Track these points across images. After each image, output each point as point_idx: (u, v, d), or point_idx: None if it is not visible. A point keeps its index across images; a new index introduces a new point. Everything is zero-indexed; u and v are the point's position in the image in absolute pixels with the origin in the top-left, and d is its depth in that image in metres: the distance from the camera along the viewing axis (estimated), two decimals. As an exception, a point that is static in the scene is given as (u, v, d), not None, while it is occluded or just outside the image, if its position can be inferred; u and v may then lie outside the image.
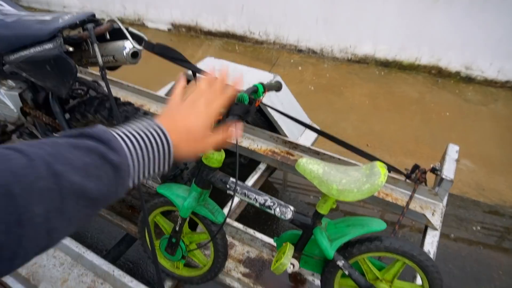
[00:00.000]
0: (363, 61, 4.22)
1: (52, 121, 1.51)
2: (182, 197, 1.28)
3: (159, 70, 3.31)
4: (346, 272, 1.17)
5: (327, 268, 1.24)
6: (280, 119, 2.15)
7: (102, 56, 1.28)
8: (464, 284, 2.17)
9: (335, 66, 4.31)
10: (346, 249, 1.19)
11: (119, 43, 1.27)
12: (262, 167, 2.02)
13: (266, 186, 2.68)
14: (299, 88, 3.94)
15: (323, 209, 1.17)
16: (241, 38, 4.70)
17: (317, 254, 1.29)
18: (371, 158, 1.47)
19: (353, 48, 4.17)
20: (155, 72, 3.50)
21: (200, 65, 2.40)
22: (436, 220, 1.70)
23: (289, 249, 1.18)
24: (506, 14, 3.48)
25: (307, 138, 2.33)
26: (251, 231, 1.62)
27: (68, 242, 1.53)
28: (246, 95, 1.17)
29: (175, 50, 1.31)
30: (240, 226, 1.64)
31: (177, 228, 1.29)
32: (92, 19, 1.25)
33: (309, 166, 1.13)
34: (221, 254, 1.34)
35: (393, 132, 3.32)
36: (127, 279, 1.37)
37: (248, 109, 1.19)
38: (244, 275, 1.49)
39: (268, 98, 2.11)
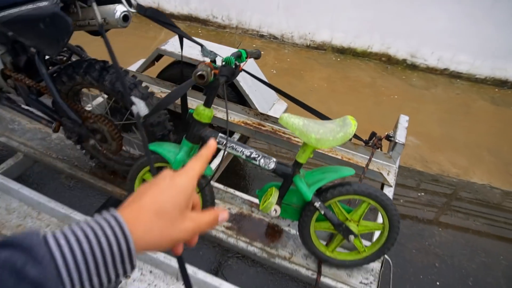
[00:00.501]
0: (321, 48, 4.48)
1: (36, 84, 1.53)
2: (174, 152, 1.39)
3: (126, 49, 3.30)
4: (322, 212, 1.36)
5: (304, 212, 1.42)
6: (251, 93, 2.30)
7: (91, 19, 1.34)
8: (411, 240, 2.48)
9: (295, 52, 4.53)
10: (321, 194, 1.38)
11: (111, 6, 1.33)
12: (236, 136, 2.16)
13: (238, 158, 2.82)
14: (262, 71, 4.10)
15: (302, 158, 1.35)
16: (204, 22, 4.75)
17: (295, 203, 1.47)
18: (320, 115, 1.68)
19: (312, 35, 4.42)
20: (122, 50, 3.47)
21: (171, 41, 2.47)
22: (391, 178, 1.95)
23: (275, 192, 1.34)
24: (449, 7, 3.90)
25: (275, 111, 2.50)
26: (231, 190, 1.76)
27: (53, 204, 1.57)
28: (232, 58, 1.31)
29: (164, 15, 1.40)
30: (220, 186, 1.78)
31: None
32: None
33: (291, 119, 1.29)
34: (210, 205, 1.47)
35: (349, 112, 3.59)
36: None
37: (234, 72, 1.33)
38: (227, 228, 1.64)
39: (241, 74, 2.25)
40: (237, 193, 1.75)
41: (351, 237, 1.40)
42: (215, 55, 1.51)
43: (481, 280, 2.27)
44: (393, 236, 1.43)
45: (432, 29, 4.08)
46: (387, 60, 4.43)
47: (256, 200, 1.76)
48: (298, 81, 4.04)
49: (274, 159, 1.39)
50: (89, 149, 1.74)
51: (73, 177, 1.97)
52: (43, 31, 1.27)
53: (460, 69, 4.32)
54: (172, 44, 2.42)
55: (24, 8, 1.26)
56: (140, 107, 1.23)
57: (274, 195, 1.32)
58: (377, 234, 1.53)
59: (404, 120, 2.13)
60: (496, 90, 4.34)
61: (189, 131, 1.36)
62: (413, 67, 4.41)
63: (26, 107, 1.69)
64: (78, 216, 1.53)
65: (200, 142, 1.40)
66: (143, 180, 1.56)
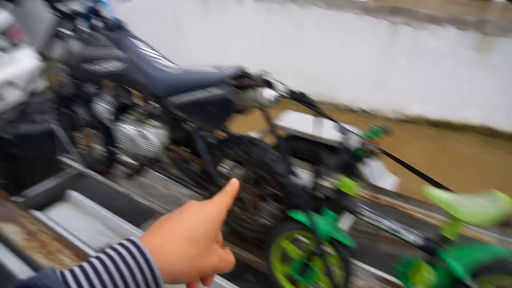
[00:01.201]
0: (413, 121, 4.47)
1: (192, 156, 1.78)
2: (318, 221, 1.47)
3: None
4: (478, 293, 1.29)
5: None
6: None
7: (243, 100, 1.56)
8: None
9: (390, 125, 4.56)
10: (475, 274, 1.31)
11: (262, 90, 1.55)
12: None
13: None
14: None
15: (450, 233, 1.33)
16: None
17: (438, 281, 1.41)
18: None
19: (403, 109, 4.47)
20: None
21: (281, 118, 2.70)
22: None
23: (424, 265, 1.31)
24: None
25: (385, 183, 2.50)
26: (359, 263, 1.75)
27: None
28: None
29: (308, 97, 1.60)
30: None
31: (313, 249, 1.46)
32: (244, 71, 1.57)
33: (439, 193, 1.31)
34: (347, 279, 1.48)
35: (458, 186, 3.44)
36: None
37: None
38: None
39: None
40: (367, 266, 1.73)
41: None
42: (350, 133, 1.64)
43: None
44: None
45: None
46: (490, 134, 4.24)
47: (387, 275, 1.71)
48: (396, 153, 4.01)
49: (419, 233, 1.39)
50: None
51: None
52: (210, 112, 1.53)
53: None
54: (283, 120, 2.64)
55: (198, 93, 1.53)
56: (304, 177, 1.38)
57: (429, 273, 1.29)
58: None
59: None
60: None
61: (331, 201, 1.45)
62: None
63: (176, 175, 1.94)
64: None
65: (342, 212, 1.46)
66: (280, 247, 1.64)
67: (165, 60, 1.80)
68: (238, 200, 1.76)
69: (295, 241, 1.63)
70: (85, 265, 0.37)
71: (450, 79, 4.11)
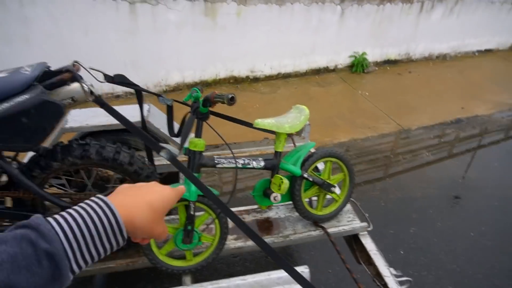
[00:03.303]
0: (177, 89, 4.85)
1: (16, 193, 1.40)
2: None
3: None
4: (311, 179, 1.76)
5: (294, 189, 1.78)
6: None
7: (62, 100, 1.37)
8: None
9: (155, 99, 4.75)
10: (303, 167, 1.77)
11: (74, 85, 1.40)
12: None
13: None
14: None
15: (280, 147, 1.71)
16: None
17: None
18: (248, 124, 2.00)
19: (165, 80, 4.75)
20: None
21: (70, 118, 2.42)
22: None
23: (282, 178, 1.65)
24: (267, 31, 4.90)
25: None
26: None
27: None
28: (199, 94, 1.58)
29: (127, 78, 1.55)
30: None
31: (192, 213, 1.54)
32: (49, 67, 1.34)
33: (264, 121, 1.64)
34: (225, 225, 1.66)
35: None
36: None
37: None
38: (236, 239, 1.84)
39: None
40: (236, 208, 1.96)
41: (332, 189, 1.85)
42: (172, 100, 1.73)
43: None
44: (353, 179, 1.95)
45: (256, 46, 5.02)
46: (235, 81, 5.17)
47: (242, 208, 2.01)
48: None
49: (260, 158, 1.71)
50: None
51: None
52: (26, 125, 1.24)
53: (287, 70, 5.44)
54: (74, 120, 2.37)
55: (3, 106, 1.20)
56: (170, 149, 1.34)
57: (283, 178, 1.64)
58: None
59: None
60: (317, 77, 5.65)
61: (190, 163, 1.54)
62: (256, 79, 5.29)
63: None
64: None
65: (200, 169, 1.59)
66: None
67: None
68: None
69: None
70: (64, 213, 0.49)
71: (194, 43, 4.65)
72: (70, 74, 1.29)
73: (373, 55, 6.01)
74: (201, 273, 2.29)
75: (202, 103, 1.44)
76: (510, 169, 3.72)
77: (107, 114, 2.41)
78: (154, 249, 1.63)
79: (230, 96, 1.30)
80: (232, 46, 4.88)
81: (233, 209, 2.01)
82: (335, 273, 2.44)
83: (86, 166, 1.53)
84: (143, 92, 1.68)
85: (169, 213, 1.76)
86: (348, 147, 3.96)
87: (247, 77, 5.23)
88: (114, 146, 1.55)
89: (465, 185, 3.41)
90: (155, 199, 0.59)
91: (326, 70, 5.76)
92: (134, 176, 1.59)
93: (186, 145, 1.54)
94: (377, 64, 6.12)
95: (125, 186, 0.61)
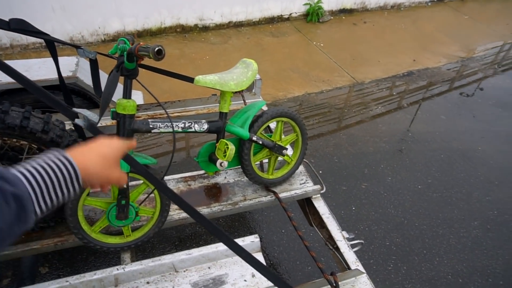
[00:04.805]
0: (117, 38, 4.35)
1: None
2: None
3: None
4: (260, 142, 1.60)
5: (243, 153, 1.62)
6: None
7: None
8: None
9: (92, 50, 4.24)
10: (252, 128, 1.60)
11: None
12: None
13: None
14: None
15: (225, 108, 1.52)
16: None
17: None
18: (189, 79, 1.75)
19: (103, 29, 4.22)
20: None
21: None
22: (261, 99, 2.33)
23: (227, 142, 1.47)
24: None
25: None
26: (166, 177, 1.76)
27: None
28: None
29: (31, 24, 1.23)
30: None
31: (125, 186, 1.33)
32: None
33: (206, 78, 1.42)
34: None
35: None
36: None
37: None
38: (179, 208, 1.68)
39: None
40: (166, 177, 1.77)
41: (284, 151, 1.72)
42: (95, 53, 1.44)
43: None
44: (305, 139, 1.82)
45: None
46: (182, 30, 4.73)
47: (188, 174, 1.83)
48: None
49: (203, 120, 1.51)
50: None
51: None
52: None
53: (239, 18, 5.06)
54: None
55: None
56: (88, 115, 1.09)
57: (229, 144, 1.46)
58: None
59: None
60: (270, 26, 5.33)
61: (120, 129, 1.31)
62: (205, 28, 4.88)
63: None
64: None
65: (133, 135, 1.37)
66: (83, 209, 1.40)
67: None
68: None
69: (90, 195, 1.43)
70: (26, 164, 0.55)
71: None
72: None
73: (329, 4, 5.76)
74: (148, 241, 2.14)
75: (127, 57, 1.18)
76: (456, 121, 3.83)
77: (26, 68, 2.04)
78: (84, 226, 1.43)
79: (156, 48, 1.06)
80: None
81: (178, 176, 1.83)
82: (288, 233, 2.41)
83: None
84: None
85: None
86: (302, 101, 3.84)
87: (196, 25, 4.80)
88: (22, 110, 1.27)
89: (415, 138, 3.47)
90: (104, 148, 0.68)
91: (280, 19, 5.44)
92: (52, 146, 1.33)
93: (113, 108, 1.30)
94: (332, 13, 5.90)
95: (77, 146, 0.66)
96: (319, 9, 5.52)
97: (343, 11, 6.07)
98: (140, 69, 1.29)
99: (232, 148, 1.44)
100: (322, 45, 4.98)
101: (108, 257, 2.16)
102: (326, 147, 3.22)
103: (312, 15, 5.52)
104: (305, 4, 5.52)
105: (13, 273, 1.99)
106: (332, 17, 5.82)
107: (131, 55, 1.16)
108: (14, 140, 1.39)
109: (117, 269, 1.38)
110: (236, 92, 2.19)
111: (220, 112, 1.53)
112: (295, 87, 4.02)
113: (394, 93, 4.23)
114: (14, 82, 1.74)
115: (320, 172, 2.89)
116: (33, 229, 1.51)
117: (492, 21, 6.66)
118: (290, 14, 5.50)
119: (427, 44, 5.45)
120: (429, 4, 7.09)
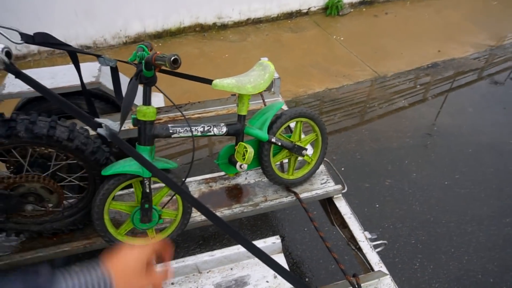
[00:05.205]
0: (138, 40, 4.43)
1: None
2: (134, 164, 1.35)
3: None
4: (279, 144, 1.60)
5: (262, 154, 1.62)
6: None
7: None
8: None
9: (115, 52, 4.35)
10: (271, 130, 1.60)
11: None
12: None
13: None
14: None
15: (243, 111, 1.52)
16: None
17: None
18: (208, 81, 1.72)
19: (124, 31, 4.31)
20: None
21: (7, 82, 2.11)
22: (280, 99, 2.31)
23: (246, 145, 1.48)
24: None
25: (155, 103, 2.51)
26: (189, 179, 1.79)
27: None
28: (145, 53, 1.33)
29: (54, 37, 1.27)
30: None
31: (147, 190, 1.37)
32: None
33: (223, 82, 1.43)
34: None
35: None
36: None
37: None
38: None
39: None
40: (188, 179, 1.80)
41: (304, 152, 1.71)
42: (115, 61, 1.48)
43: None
44: (325, 138, 1.80)
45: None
46: (201, 29, 4.76)
47: (209, 175, 1.86)
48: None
49: (222, 123, 1.52)
50: (15, 223, 1.45)
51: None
52: None
53: (258, 15, 5.04)
54: (12, 85, 2.07)
55: None
56: (110, 125, 1.13)
57: (246, 145, 1.47)
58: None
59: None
60: (289, 22, 5.29)
61: (141, 136, 1.34)
62: (224, 26, 4.89)
63: None
64: None
65: (154, 141, 1.39)
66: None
67: None
68: (30, 196, 1.37)
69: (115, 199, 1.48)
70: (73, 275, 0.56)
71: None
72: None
73: (349, -4, 5.65)
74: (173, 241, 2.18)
75: (145, 66, 1.20)
76: (484, 114, 3.68)
77: (52, 75, 2.11)
78: (111, 229, 1.47)
79: (172, 58, 1.07)
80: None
81: (199, 177, 1.85)
82: (311, 231, 2.40)
83: (17, 145, 1.30)
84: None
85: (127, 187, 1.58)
86: (323, 97, 3.79)
87: (214, 24, 4.82)
88: (48, 120, 1.32)
89: (440, 132, 3.36)
90: (135, 267, 0.65)
91: (299, 13, 5.38)
92: (77, 153, 1.38)
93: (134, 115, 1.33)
94: (352, 5, 5.77)
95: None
96: (339, 1, 5.41)
97: (364, 3, 5.93)
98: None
99: (251, 151, 1.45)
100: (342, 39, 4.89)
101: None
102: (348, 143, 3.17)
103: (332, 8, 5.43)
104: (324, -3, 5.44)
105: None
106: (352, 10, 5.70)
107: (149, 64, 1.18)
108: (43, 148, 1.45)
109: (142, 271, 1.41)
110: (255, 93, 2.19)
111: (239, 115, 1.53)
112: (315, 83, 3.98)
113: (418, 86, 4.11)
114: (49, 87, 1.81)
115: (342, 169, 2.86)
116: (63, 232, 1.58)
117: (523, 5, 6.34)
118: (309, 8, 5.43)
119: (452, 34, 5.25)
120: (455, -9, 6.81)
